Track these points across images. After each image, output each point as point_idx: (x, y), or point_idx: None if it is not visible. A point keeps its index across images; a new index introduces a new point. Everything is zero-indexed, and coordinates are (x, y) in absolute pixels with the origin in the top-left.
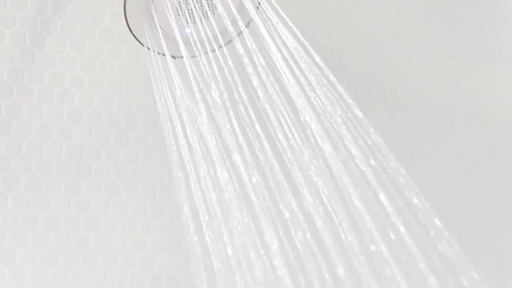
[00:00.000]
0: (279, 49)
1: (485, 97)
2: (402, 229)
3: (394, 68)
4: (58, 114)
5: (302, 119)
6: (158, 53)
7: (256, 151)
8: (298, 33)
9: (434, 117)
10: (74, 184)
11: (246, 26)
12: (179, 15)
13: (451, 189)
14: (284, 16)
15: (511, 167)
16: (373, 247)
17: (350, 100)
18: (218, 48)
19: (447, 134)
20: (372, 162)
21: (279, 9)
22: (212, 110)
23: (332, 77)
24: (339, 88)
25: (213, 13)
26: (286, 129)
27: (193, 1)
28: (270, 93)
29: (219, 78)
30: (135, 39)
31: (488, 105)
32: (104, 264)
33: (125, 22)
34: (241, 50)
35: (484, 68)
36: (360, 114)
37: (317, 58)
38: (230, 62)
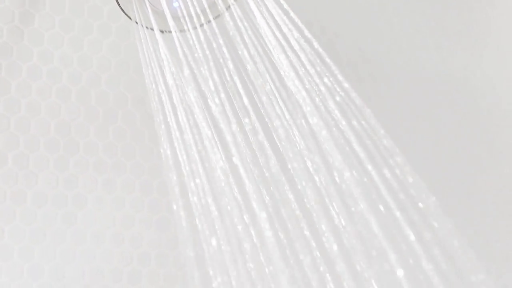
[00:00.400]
0: (268, 23)
1: (472, 77)
2: (392, 204)
3: (381, 46)
4: (47, 91)
5: (290, 90)
6: (147, 27)
7: (245, 126)
8: (285, 6)
9: (420, 95)
10: (63, 161)
11: (235, 0)
12: None
13: (435, 168)
14: None
15: (497, 145)
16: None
17: (337, 73)
18: (207, 23)
19: (433, 112)
20: (365, 137)
21: None
22: (201, 86)
23: (321, 50)
24: (328, 61)
25: None
26: (274, 102)
27: None
28: (259, 66)
29: (207, 52)
30: (124, 17)
31: (474, 84)
32: (92, 241)
33: None
34: (230, 24)
35: (471, 47)
36: (353, 92)
37: (306, 32)
38: (219, 36)
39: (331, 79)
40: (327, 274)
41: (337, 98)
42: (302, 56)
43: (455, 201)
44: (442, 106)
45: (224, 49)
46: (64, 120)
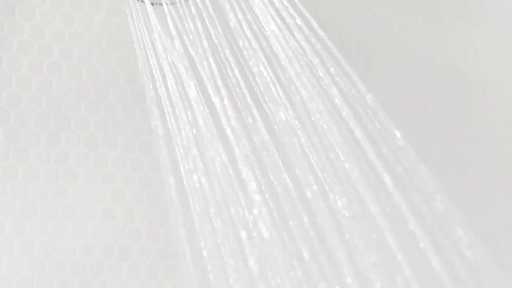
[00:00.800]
0: None
1: (463, 60)
2: (386, 178)
3: (372, 29)
4: (38, 66)
5: (281, 63)
6: (138, 0)
7: (237, 101)
8: None
9: (411, 79)
10: (54, 137)
11: None
12: None
13: (428, 151)
14: None
15: (488, 128)
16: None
17: (330, 43)
18: None
19: (424, 96)
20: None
21: None
22: (193, 59)
23: (313, 22)
24: (320, 32)
25: None
26: (265, 73)
27: None
28: (249, 38)
29: (198, 24)
30: None
31: (466, 68)
32: (83, 216)
33: None
34: None
35: (462, 31)
36: (346, 66)
37: (300, 5)
38: (210, 9)
39: (325, 58)
40: (317, 243)
41: (331, 69)
42: (292, 24)
43: (446, 182)
44: (433, 90)
45: (216, 22)
46: (55, 96)
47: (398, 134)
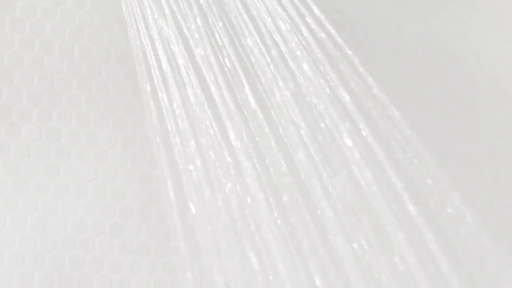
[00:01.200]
0: None
1: (453, 42)
2: (381, 155)
3: (363, 9)
4: (30, 44)
5: (276, 40)
6: None
7: (230, 78)
8: None
9: (402, 60)
10: (46, 114)
11: None
12: None
13: (418, 134)
14: None
15: (478, 110)
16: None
17: (327, 24)
18: None
19: (414, 78)
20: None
21: None
22: (187, 34)
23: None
24: (317, 13)
25: None
26: (258, 50)
27: None
28: (244, 17)
29: (191, 0)
30: None
31: (455, 49)
32: (75, 193)
33: None
34: None
35: (453, 12)
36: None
37: None
38: None
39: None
40: (309, 217)
41: (328, 47)
42: (289, 7)
43: (436, 163)
44: (424, 72)
45: (210, 1)
46: (47, 73)
47: (396, 112)
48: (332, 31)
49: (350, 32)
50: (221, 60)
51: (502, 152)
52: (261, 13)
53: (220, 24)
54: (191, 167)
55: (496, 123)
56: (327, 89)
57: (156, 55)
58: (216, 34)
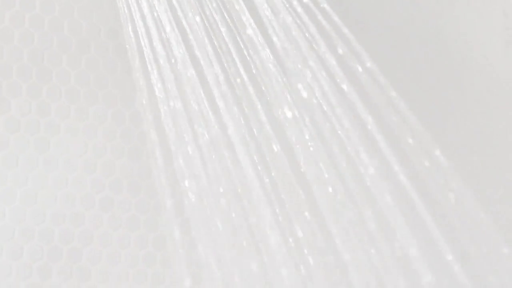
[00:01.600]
0: None
1: (444, 24)
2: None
3: None
4: (20, 19)
5: (271, 23)
6: None
7: (220, 52)
8: None
9: (391, 42)
10: (36, 89)
11: None
12: None
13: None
14: None
15: (468, 92)
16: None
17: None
18: None
19: (403, 59)
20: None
21: None
22: (178, 9)
23: None
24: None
25: None
26: (253, 35)
27: None
28: None
29: None
30: None
31: (446, 32)
32: (64, 168)
33: None
34: None
35: None
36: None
37: None
38: None
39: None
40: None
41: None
42: None
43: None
44: (413, 54)
45: None
46: (37, 48)
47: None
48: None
49: (337, 14)
50: (212, 35)
51: (490, 132)
52: None
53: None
54: (182, 142)
55: (485, 104)
56: (312, 52)
57: (147, 31)
58: (206, 7)
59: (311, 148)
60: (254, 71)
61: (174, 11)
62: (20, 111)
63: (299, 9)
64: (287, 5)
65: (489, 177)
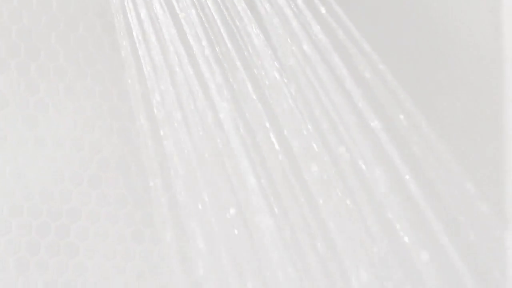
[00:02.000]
0: None
1: (432, 5)
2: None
3: None
4: None
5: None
6: None
7: (211, 32)
8: None
9: (377, 18)
10: (24, 66)
11: None
12: None
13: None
14: None
15: (453, 67)
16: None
17: None
18: None
19: (390, 35)
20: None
21: None
22: None
23: None
24: None
25: None
26: (240, 7)
27: None
28: None
29: None
30: None
31: (434, 12)
32: (53, 145)
33: None
34: None
35: None
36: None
37: None
38: None
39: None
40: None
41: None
42: None
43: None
44: (402, 33)
45: None
46: (25, 26)
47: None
48: None
49: None
50: (203, 17)
51: (475, 111)
52: None
53: None
54: (170, 119)
55: (470, 84)
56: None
57: (135, 8)
58: None
59: (304, 132)
60: (246, 53)
61: None
62: (8, 88)
63: None
64: None
65: (474, 155)
